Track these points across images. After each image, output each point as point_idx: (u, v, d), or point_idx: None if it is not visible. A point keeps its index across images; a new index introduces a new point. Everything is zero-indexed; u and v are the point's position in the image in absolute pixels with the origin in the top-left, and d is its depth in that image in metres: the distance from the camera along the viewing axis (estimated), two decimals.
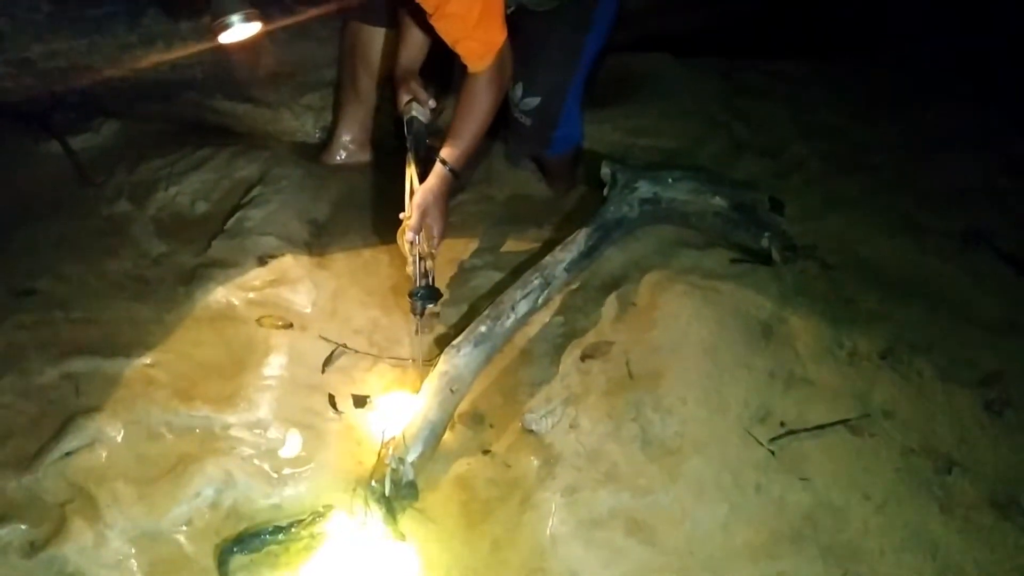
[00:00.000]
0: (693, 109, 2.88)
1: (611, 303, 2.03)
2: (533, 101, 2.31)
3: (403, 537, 1.60)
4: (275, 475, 1.71)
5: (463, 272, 2.27)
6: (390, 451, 1.69)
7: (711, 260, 2.13)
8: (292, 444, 1.76)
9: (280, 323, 2.03)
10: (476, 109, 2.08)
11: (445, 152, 2.08)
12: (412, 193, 2.07)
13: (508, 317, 1.95)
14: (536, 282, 2.02)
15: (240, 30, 1.78)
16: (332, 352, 1.99)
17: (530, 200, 2.58)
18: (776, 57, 3.30)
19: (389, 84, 2.45)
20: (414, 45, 2.28)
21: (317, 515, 1.62)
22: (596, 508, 1.63)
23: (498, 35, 2.00)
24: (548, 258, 2.09)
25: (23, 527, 1.53)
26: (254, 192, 2.40)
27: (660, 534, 1.59)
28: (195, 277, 2.12)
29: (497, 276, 2.23)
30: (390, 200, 2.18)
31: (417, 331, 2.00)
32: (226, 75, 2.59)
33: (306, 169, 2.55)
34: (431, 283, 1.98)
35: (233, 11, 1.75)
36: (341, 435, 1.82)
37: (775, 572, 1.54)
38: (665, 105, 2.88)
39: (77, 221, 2.30)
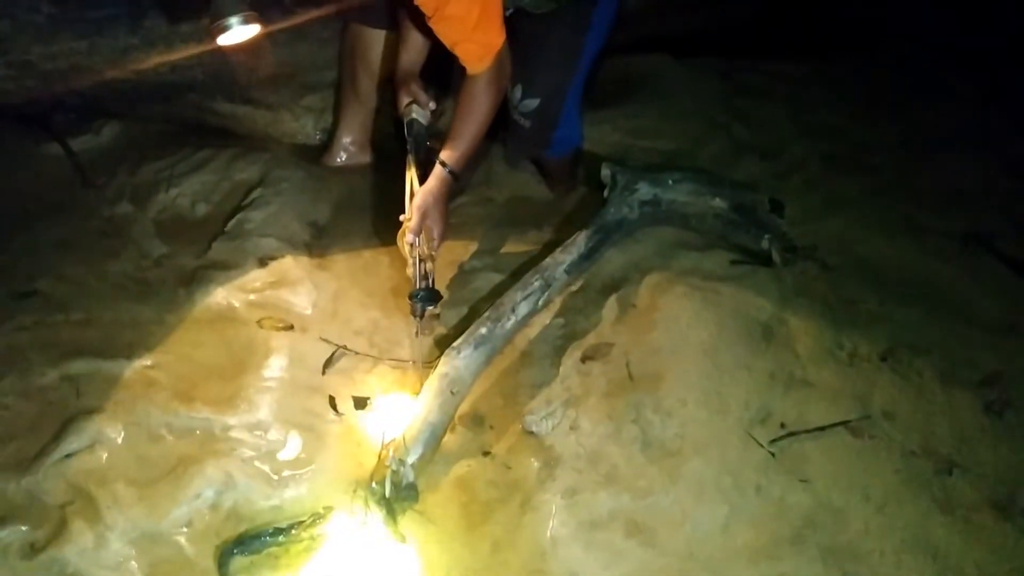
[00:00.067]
0: (693, 110, 2.88)
1: (611, 305, 2.03)
2: (532, 103, 2.31)
3: (403, 539, 1.60)
4: (275, 477, 1.71)
5: (463, 274, 2.27)
6: (390, 453, 1.69)
7: (711, 262, 2.13)
8: (292, 446, 1.76)
9: (280, 325, 2.03)
10: (475, 111, 2.08)
11: (445, 154, 2.09)
12: (412, 195, 2.07)
13: (508, 319, 1.95)
14: (536, 284, 2.02)
15: (239, 32, 1.78)
16: (332, 354, 2.00)
17: (530, 202, 2.58)
18: (776, 58, 3.30)
19: (389, 86, 2.45)
20: (414, 47, 2.28)
21: (317, 517, 1.62)
22: (596, 510, 1.63)
23: (497, 37, 2.00)
24: (548, 260, 2.09)
25: (23, 528, 1.54)
26: (254, 194, 2.41)
27: (660, 536, 1.60)
28: (195, 279, 2.12)
29: (497, 278, 2.23)
30: (390, 202, 2.18)
31: (417, 333, 2.00)
32: (227, 77, 2.59)
33: (306, 171, 2.55)
34: (431, 285, 1.97)
35: (232, 13, 1.75)
36: (341, 437, 1.82)
37: (775, 573, 1.54)
38: (665, 106, 2.88)
39: (78, 222, 2.30)
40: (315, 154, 2.70)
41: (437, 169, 2.07)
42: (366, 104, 2.61)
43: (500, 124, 2.29)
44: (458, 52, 2.00)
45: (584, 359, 1.92)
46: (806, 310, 1.99)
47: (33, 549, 1.52)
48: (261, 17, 1.80)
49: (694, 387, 1.78)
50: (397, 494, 1.64)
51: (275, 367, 1.91)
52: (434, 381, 1.82)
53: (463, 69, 2.04)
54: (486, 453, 1.80)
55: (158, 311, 2.03)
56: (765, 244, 2.16)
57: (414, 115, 2.24)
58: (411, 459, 1.68)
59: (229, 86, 2.64)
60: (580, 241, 2.14)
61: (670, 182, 2.27)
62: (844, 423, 1.76)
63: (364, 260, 2.30)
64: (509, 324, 1.95)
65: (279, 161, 2.55)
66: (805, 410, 1.78)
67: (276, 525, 1.61)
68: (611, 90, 2.87)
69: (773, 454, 1.70)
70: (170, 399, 1.78)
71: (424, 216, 2.01)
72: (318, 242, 2.34)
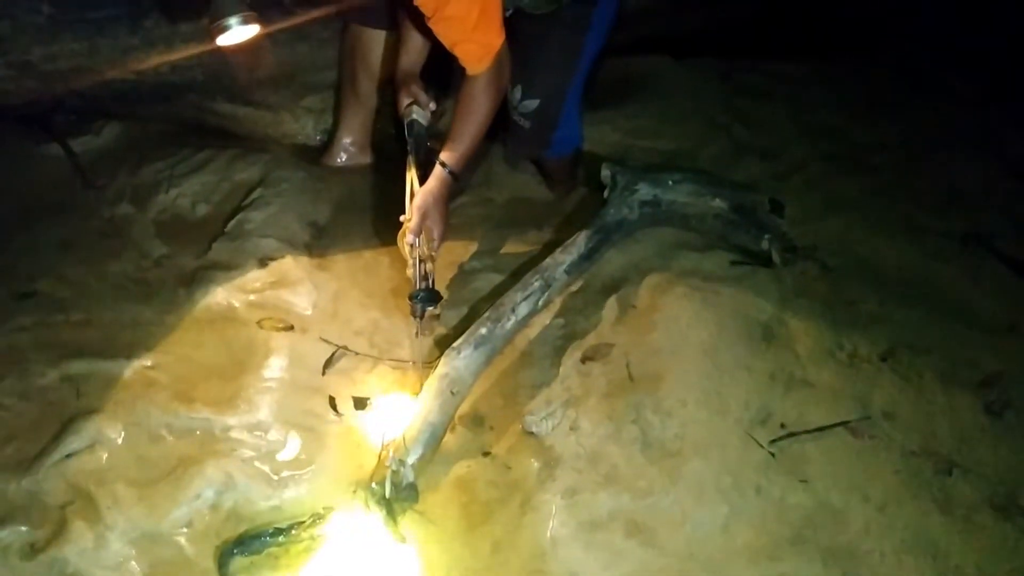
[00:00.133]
0: (693, 110, 2.88)
1: (611, 305, 2.03)
2: (532, 103, 2.31)
3: (403, 539, 1.60)
4: (275, 477, 1.71)
5: (463, 274, 2.27)
6: (390, 453, 1.69)
7: (711, 262, 2.13)
8: (292, 446, 1.77)
9: (280, 325, 2.03)
10: (475, 111, 2.08)
11: (445, 155, 2.09)
12: (412, 195, 2.07)
13: (508, 319, 1.95)
14: (536, 284, 2.03)
15: (238, 32, 1.78)
16: (332, 354, 2.00)
17: (530, 202, 2.58)
18: (776, 58, 3.30)
19: (389, 87, 2.46)
20: (414, 48, 2.29)
21: (317, 517, 1.62)
22: (596, 510, 1.63)
23: (496, 38, 2.00)
24: (548, 260, 2.09)
25: (23, 529, 1.54)
26: (255, 194, 2.41)
27: (660, 536, 1.59)
28: (196, 279, 2.12)
29: (497, 278, 2.23)
30: (390, 202, 2.18)
31: (417, 333, 2.00)
32: (227, 78, 2.59)
33: (306, 171, 2.55)
34: (431, 285, 1.97)
35: (231, 13, 1.75)
36: (341, 437, 1.82)
37: (775, 574, 1.54)
38: (665, 107, 2.88)
39: (78, 223, 2.30)
40: (315, 155, 2.70)
41: (437, 170, 2.07)
42: (366, 105, 2.61)
43: (500, 125, 2.29)
44: (458, 52, 2.00)
45: (584, 359, 1.92)
46: (806, 310, 1.99)
47: (33, 549, 1.52)
48: (261, 17, 1.80)
49: (694, 387, 1.78)
50: (397, 494, 1.64)
51: (275, 367, 1.91)
52: (434, 381, 1.82)
53: (463, 70, 2.04)
54: (486, 453, 1.80)
55: (158, 311, 2.03)
56: (765, 245, 2.16)
57: (414, 116, 2.24)
58: (411, 459, 1.68)
59: (229, 87, 2.64)
60: (580, 241, 2.14)
61: (670, 183, 2.27)
62: (844, 423, 1.76)
63: (364, 260, 2.30)
64: (509, 324, 1.95)
65: (279, 162, 2.55)
66: (805, 410, 1.78)
67: (276, 525, 1.61)
68: (611, 91, 2.87)
69: (773, 454, 1.70)
70: (170, 399, 1.78)
71: (424, 216, 2.01)
72: (318, 242, 2.34)
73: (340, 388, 1.93)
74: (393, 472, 1.65)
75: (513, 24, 2.09)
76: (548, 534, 1.59)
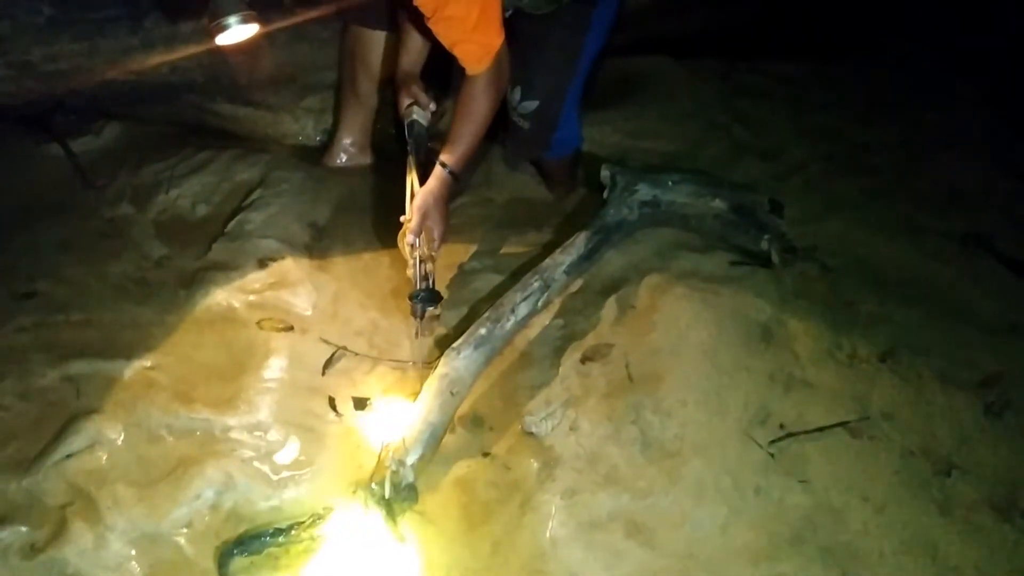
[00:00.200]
0: (693, 111, 2.88)
1: (611, 306, 2.03)
2: (531, 104, 2.31)
3: (403, 539, 1.60)
4: (275, 477, 1.71)
5: (463, 275, 2.27)
6: (390, 453, 1.69)
7: (711, 263, 2.13)
8: (292, 446, 1.76)
9: (280, 326, 2.03)
10: (475, 112, 2.08)
11: (445, 155, 2.09)
12: (413, 196, 2.07)
13: (508, 320, 1.96)
14: (536, 285, 2.03)
15: (237, 32, 1.78)
16: (332, 355, 2.00)
17: (530, 203, 2.58)
18: (776, 58, 3.31)
19: (389, 87, 2.46)
20: (414, 48, 2.29)
21: (317, 517, 1.62)
22: (596, 510, 1.63)
23: (496, 38, 2.00)
24: (548, 261, 2.10)
25: (23, 529, 1.54)
26: (254, 195, 2.41)
27: (660, 536, 1.60)
28: (196, 280, 2.12)
29: (497, 279, 2.23)
30: (390, 203, 2.18)
31: (417, 334, 2.00)
32: (227, 78, 2.59)
33: (306, 172, 2.55)
34: (431, 285, 1.98)
35: (230, 12, 1.76)
36: (341, 437, 1.82)
37: (775, 574, 1.55)
38: (665, 107, 2.88)
39: (78, 223, 2.30)
40: (315, 155, 2.70)
41: (437, 170, 2.07)
42: (366, 105, 2.61)
43: (500, 125, 2.29)
44: (457, 53, 2.00)
45: (584, 360, 1.92)
46: (805, 311, 1.99)
47: (33, 550, 1.52)
48: (260, 17, 1.81)
49: (693, 388, 1.78)
50: (397, 495, 1.64)
51: (275, 368, 1.91)
52: (434, 382, 1.82)
53: (463, 70, 2.04)
54: (486, 454, 1.80)
55: (158, 312, 2.03)
56: (764, 245, 2.16)
57: (415, 116, 2.24)
58: (411, 460, 1.68)
59: (229, 87, 2.65)
60: (580, 242, 2.14)
61: (670, 183, 2.28)
62: (843, 424, 1.76)
63: (364, 261, 2.30)
64: (509, 325, 1.96)
65: (279, 162, 2.55)
66: (804, 411, 1.78)
67: (276, 526, 1.61)
68: (611, 91, 2.87)
69: (772, 455, 1.71)
70: (170, 400, 1.78)
71: (424, 217, 2.01)
72: (318, 243, 2.34)
73: (340, 389, 1.93)
74: (393, 472, 1.65)
75: (513, 24, 2.09)
76: (548, 534, 1.59)
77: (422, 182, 2.09)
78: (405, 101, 2.25)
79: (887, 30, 3.54)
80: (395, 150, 2.63)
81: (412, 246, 1.97)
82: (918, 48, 3.39)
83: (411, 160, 2.17)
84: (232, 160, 2.54)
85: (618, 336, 1.95)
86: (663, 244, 2.23)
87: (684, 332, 1.89)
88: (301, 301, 2.11)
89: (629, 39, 2.83)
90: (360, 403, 1.91)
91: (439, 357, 1.89)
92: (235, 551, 1.58)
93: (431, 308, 1.98)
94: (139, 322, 2.00)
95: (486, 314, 1.96)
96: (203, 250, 2.24)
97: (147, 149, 2.58)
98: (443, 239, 2.08)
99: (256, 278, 2.14)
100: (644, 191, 2.26)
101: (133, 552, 1.55)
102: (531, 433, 1.81)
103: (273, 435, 1.77)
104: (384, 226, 2.34)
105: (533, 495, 1.67)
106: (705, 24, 3.39)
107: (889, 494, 1.65)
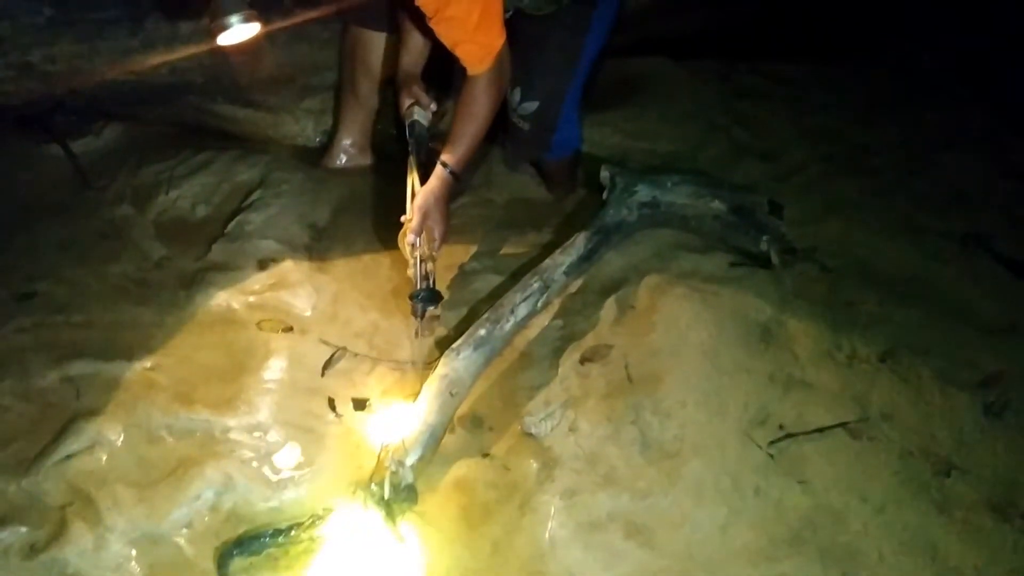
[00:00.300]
0: (692, 112, 2.88)
1: (610, 306, 2.03)
2: (531, 105, 2.31)
3: (402, 540, 1.60)
4: (275, 478, 1.71)
5: (463, 275, 2.27)
6: (389, 454, 1.69)
7: (710, 263, 2.13)
8: (292, 447, 1.77)
9: (280, 327, 2.03)
10: (476, 112, 2.08)
11: (446, 155, 2.09)
12: (414, 195, 2.07)
13: (508, 320, 1.96)
14: (535, 285, 2.03)
15: (239, 31, 1.78)
16: (332, 355, 2.00)
17: (529, 204, 2.58)
18: (776, 59, 3.30)
19: (390, 88, 2.46)
20: (415, 49, 2.29)
21: (317, 518, 1.62)
22: (595, 511, 1.63)
23: (497, 38, 2.01)
24: (547, 261, 2.10)
25: (23, 530, 1.54)
26: (254, 196, 2.41)
27: (659, 537, 1.60)
28: (195, 281, 2.12)
29: (496, 280, 2.23)
30: (390, 204, 2.18)
31: (417, 334, 2.00)
32: (227, 79, 2.59)
33: (306, 173, 2.55)
34: (432, 285, 1.98)
35: (232, 12, 1.76)
36: (341, 438, 1.82)
37: (774, 574, 1.54)
38: (664, 108, 2.88)
39: (78, 224, 2.31)
40: (315, 156, 2.70)
41: (438, 170, 2.08)
42: (366, 106, 2.61)
43: (500, 126, 2.29)
44: (459, 53, 2.01)
45: (583, 360, 1.92)
46: (805, 311, 1.99)
47: (33, 550, 1.52)
48: (261, 17, 1.81)
49: (693, 389, 1.78)
50: (396, 495, 1.64)
51: (275, 369, 1.91)
52: (433, 382, 1.82)
53: (464, 70, 2.05)
54: (485, 454, 1.80)
55: (158, 313, 2.03)
56: (764, 246, 2.16)
57: (416, 116, 2.24)
58: (410, 460, 1.68)
59: (229, 88, 2.65)
60: (579, 243, 2.14)
61: (669, 184, 2.28)
62: (843, 425, 1.76)
63: (364, 262, 2.30)
64: (508, 326, 1.96)
65: (279, 163, 2.56)
66: (804, 411, 1.78)
67: (276, 526, 1.62)
68: (611, 92, 2.87)
69: (772, 456, 1.71)
70: (170, 401, 1.78)
71: (425, 216, 2.01)
72: (318, 244, 2.34)
73: (339, 389, 1.93)
74: (392, 473, 1.65)
75: (513, 25, 2.09)
76: (547, 535, 1.60)
77: (423, 182, 2.09)
78: (406, 101, 2.25)
79: (887, 30, 3.53)
80: (395, 150, 2.63)
81: (413, 246, 1.97)
82: (918, 48, 3.39)
83: (412, 160, 2.18)
84: (232, 161, 2.54)
85: (617, 337, 1.95)
86: (662, 245, 2.23)
87: (684, 333, 1.89)
88: (301, 302, 2.11)
89: (629, 40, 2.83)
90: (360, 404, 1.91)
91: (438, 358, 1.89)
92: (235, 552, 1.58)
93: (431, 308, 1.98)
94: (139, 323, 2.00)
95: (485, 315, 1.96)
96: (203, 251, 2.25)
97: (147, 150, 2.58)
98: (444, 239, 2.08)
99: (256, 279, 2.14)
100: (643, 192, 2.26)
101: (133, 553, 1.55)
102: (530, 434, 1.81)
103: (273, 436, 1.77)
104: (384, 227, 2.34)
105: (532, 496, 1.67)
106: (705, 25, 3.39)
107: (888, 495, 1.65)
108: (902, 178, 2.62)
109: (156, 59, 2.45)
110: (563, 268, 2.09)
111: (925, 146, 2.79)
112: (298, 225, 2.36)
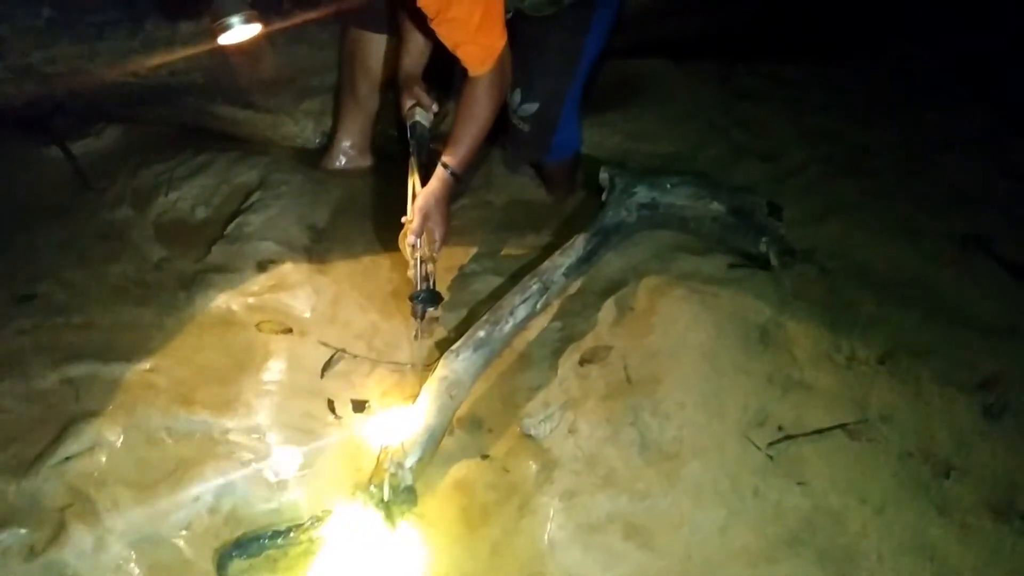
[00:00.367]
0: (692, 114, 2.88)
1: (609, 308, 2.03)
2: (531, 107, 2.32)
3: (402, 541, 1.60)
4: (274, 480, 1.71)
5: (462, 277, 2.27)
6: (389, 456, 1.69)
7: (709, 265, 2.13)
8: (291, 449, 1.77)
9: (280, 328, 2.04)
10: (477, 113, 2.08)
11: (447, 156, 2.09)
12: (414, 197, 2.07)
13: (507, 322, 1.96)
14: (535, 287, 2.03)
15: (240, 31, 1.79)
16: (331, 357, 2.00)
17: (529, 205, 2.58)
18: (775, 61, 3.30)
19: (390, 89, 2.46)
20: (416, 50, 2.29)
21: (316, 520, 1.63)
22: (594, 512, 1.63)
23: (499, 39, 2.01)
24: (547, 263, 2.10)
25: (23, 531, 1.55)
26: (254, 197, 2.41)
27: (658, 538, 1.60)
28: (195, 282, 2.13)
29: (496, 281, 2.23)
30: (390, 205, 2.18)
31: (417, 335, 2.00)
32: (226, 80, 2.60)
33: (306, 175, 2.55)
34: (432, 286, 1.98)
35: (233, 12, 1.76)
36: (340, 440, 1.82)
37: None
38: (664, 110, 2.88)
39: (78, 226, 2.31)
40: (315, 158, 2.70)
41: (439, 171, 2.08)
42: (365, 108, 2.61)
43: (500, 128, 2.29)
44: (460, 54, 2.01)
45: (582, 362, 1.92)
46: (804, 313, 1.99)
47: (32, 552, 1.52)
48: (261, 17, 1.81)
49: (692, 390, 1.78)
50: (395, 497, 1.64)
51: (274, 370, 1.91)
52: (433, 384, 1.82)
53: (465, 72, 2.05)
54: (484, 456, 1.80)
55: (158, 314, 2.03)
56: (763, 247, 2.16)
57: (417, 117, 2.25)
58: (409, 462, 1.68)
59: (229, 89, 2.65)
60: (578, 244, 2.14)
61: (668, 186, 2.28)
62: (842, 426, 1.76)
63: (363, 264, 2.30)
64: (508, 327, 1.96)
65: (278, 165, 2.56)
66: (803, 413, 1.78)
67: (275, 528, 1.62)
68: (610, 93, 2.87)
69: (771, 457, 1.71)
70: (169, 402, 1.78)
71: (426, 217, 2.01)
72: (317, 246, 2.34)
73: (339, 391, 1.93)
74: (391, 475, 1.65)
75: (513, 26, 2.08)
76: (546, 536, 1.60)
77: (424, 183, 2.09)
78: (407, 102, 2.25)
79: (887, 31, 3.53)
80: (395, 152, 2.63)
81: (413, 247, 1.98)
82: (918, 48, 3.38)
83: (413, 161, 2.18)
84: (231, 162, 2.54)
85: (617, 338, 1.95)
86: (662, 246, 2.23)
87: (683, 334, 1.89)
88: (300, 303, 2.11)
89: (629, 41, 2.83)
90: (359, 405, 1.91)
91: (438, 360, 1.89)
92: (234, 553, 1.58)
93: (431, 309, 1.98)
94: (138, 324, 2.00)
95: (485, 316, 1.96)
96: (202, 252, 2.25)
97: (147, 151, 2.59)
98: (444, 240, 2.08)
99: (255, 280, 2.14)
100: (643, 193, 2.26)
101: (132, 554, 1.55)
102: (530, 435, 1.81)
103: (272, 438, 1.77)
104: (383, 228, 2.34)
105: (532, 497, 1.67)
106: (705, 26, 3.39)
107: (887, 496, 1.65)
108: (902, 179, 2.62)
109: (155, 61, 2.45)
110: (562, 270, 2.09)
111: (925, 147, 2.78)
112: (297, 227, 2.36)
